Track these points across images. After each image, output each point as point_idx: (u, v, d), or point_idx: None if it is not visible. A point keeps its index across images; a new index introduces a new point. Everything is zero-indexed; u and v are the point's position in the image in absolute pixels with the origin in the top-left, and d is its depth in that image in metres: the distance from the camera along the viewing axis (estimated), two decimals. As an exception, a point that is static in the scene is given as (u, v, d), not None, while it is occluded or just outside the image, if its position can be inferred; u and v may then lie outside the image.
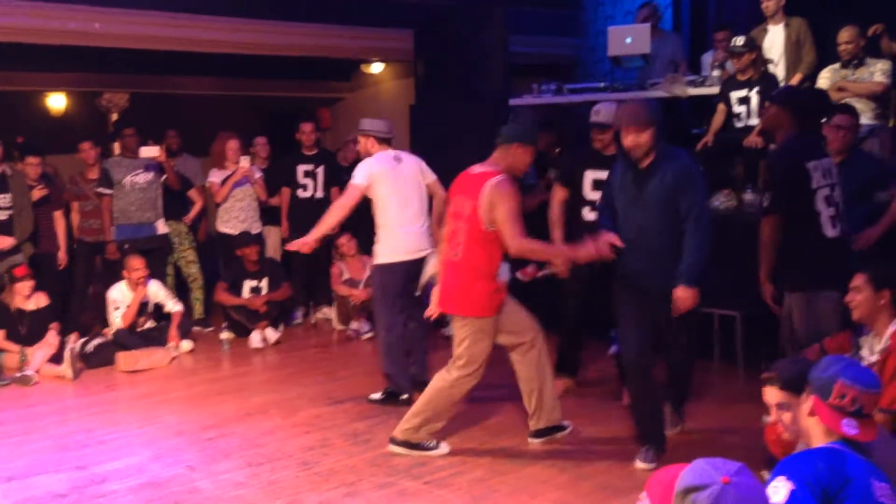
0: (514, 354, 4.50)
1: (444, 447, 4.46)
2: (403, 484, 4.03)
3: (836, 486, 2.32)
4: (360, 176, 5.18)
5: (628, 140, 4.04)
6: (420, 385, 5.43)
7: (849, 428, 2.47)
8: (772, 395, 2.83)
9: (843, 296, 4.10)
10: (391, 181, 5.20)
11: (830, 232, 4.19)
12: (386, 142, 5.35)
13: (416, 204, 5.29)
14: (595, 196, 5.00)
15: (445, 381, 4.35)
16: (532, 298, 7.02)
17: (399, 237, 5.20)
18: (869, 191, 4.93)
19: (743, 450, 3.99)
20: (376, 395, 5.30)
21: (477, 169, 4.33)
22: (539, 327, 4.52)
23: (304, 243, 5.16)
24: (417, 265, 5.31)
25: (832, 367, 2.58)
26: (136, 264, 6.58)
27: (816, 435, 2.56)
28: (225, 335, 6.92)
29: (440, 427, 4.45)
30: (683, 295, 4.03)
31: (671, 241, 4.05)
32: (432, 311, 4.64)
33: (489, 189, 4.15)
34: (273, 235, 7.87)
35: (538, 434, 4.55)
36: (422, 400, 4.43)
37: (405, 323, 5.28)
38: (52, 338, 6.29)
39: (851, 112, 5.06)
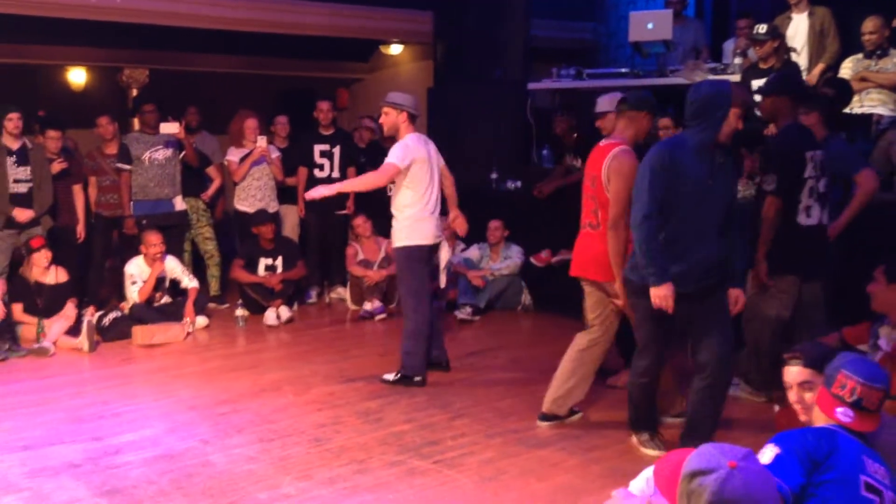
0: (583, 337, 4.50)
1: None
2: (413, 463, 4.06)
3: (823, 453, 2.39)
4: (400, 157, 5.04)
5: (740, 122, 3.81)
6: (436, 366, 5.46)
7: (842, 416, 2.53)
8: (795, 374, 2.84)
9: (801, 281, 4.24)
10: (426, 165, 5.13)
11: (804, 220, 4.34)
12: (414, 120, 5.25)
13: (438, 189, 5.28)
14: None
15: (583, 342, 4.46)
16: (546, 284, 7.13)
17: (427, 221, 5.16)
18: (839, 178, 4.86)
19: (753, 438, 3.99)
20: (390, 376, 5.31)
21: (604, 142, 4.42)
22: None
23: (321, 194, 5.06)
24: (433, 251, 5.32)
25: (841, 359, 2.64)
26: (154, 240, 6.63)
27: (818, 421, 2.62)
28: (240, 312, 6.97)
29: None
30: (740, 296, 3.96)
31: (724, 236, 3.86)
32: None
33: (609, 160, 4.25)
34: (290, 215, 7.90)
35: (548, 417, 4.56)
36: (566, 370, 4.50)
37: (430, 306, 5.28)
38: (69, 310, 6.36)
39: (811, 105, 4.87)
